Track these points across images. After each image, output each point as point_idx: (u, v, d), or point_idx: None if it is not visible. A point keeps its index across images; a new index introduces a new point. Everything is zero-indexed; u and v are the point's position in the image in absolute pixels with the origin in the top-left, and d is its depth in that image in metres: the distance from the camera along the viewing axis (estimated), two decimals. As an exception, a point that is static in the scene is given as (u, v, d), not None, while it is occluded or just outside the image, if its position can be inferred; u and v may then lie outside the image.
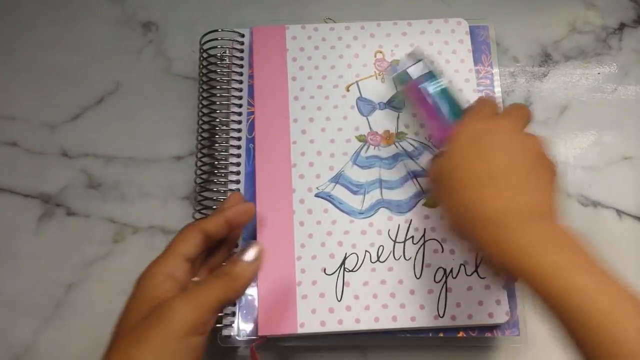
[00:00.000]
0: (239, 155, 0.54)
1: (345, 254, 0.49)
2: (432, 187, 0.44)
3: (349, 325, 0.48)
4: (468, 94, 0.53)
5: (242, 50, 0.57)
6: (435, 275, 0.49)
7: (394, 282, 0.49)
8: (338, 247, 0.50)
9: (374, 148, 0.52)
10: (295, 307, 0.48)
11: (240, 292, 0.39)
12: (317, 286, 0.49)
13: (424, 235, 0.50)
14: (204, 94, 0.56)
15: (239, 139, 0.54)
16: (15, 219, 0.57)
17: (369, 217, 0.50)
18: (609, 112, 0.59)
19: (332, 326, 0.48)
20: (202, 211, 0.53)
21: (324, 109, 0.53)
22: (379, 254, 0.49)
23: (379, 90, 0.54)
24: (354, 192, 0.51)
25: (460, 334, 0.49)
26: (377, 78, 0.55)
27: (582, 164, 0.57)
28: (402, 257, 0.49)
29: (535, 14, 0.63)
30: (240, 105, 0.55)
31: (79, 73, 0.61)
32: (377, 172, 0.52)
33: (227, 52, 0.58)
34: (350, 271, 0.49)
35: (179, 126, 0.59)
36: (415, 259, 0.49)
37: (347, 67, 0.55)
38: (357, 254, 0.49)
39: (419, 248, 0.49)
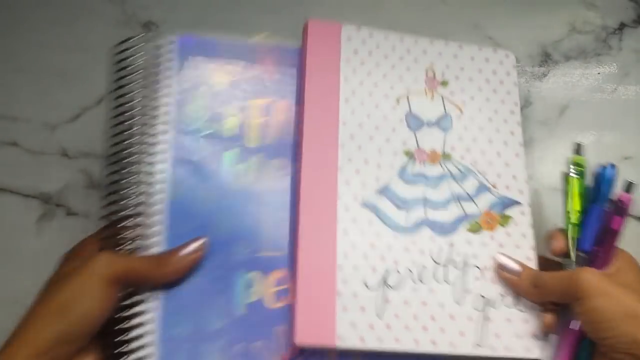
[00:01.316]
0: (157, 182, 0.47)
1: (387, 269, 0.48)
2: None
3: (389, 344, 0.46)
4: (512, 127, 0.53)
5: (170, 59, 0.50)
6: (475, 303, 0.48)
7: (435, 305, 0.47)
8: (380, 261, 0.48)
9: (421, 165, 0.51)
10: (334, 319, 0.46)
11: (166, 277, 0.44)
12: (358, 299, 0.47)
13: (465, 261, 0.49)
14: (114, 113, 0.47)
15: (157, 163, 0.47)
16: (15, 219, 0.57)
17: (412, 234, 0.49)
18: (609, 112, 0.60)
19: (371, 343, 0.46)
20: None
21: (373, 117, 0.52)
22: (421, 275, 0.48)
23: (428, 107, 0.53)
24: (399, 207, 0.50)
25: None
26: (426, 94, 0.53)
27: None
28: (444, 280, 0.48)
29: (535, 14, 0.63)
30: (157, 125, 0.48)
31: (79, 73, 0.61)
32: (422, 190, 0.50)
33: (144, 63, 0.49)
34: (391, 288, 0.47)
35: (179, 126, 0.59)
36: (456, 284, 0.48)
37: (398, 79, 0.54)
38: (399, 271, 0.48)
39: (461, 273, 0.49)
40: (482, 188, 0.51)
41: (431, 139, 0.52)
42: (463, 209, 0.50)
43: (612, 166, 0.49)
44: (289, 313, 0.46)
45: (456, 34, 0.62)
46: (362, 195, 0.49)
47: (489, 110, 0.53)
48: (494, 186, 0.51)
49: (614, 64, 0.62)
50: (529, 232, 0.50)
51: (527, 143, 0.58)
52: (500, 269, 0.49)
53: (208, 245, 0.45)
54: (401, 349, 0.46)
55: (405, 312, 0.47)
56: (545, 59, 0.61)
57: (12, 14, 0.63)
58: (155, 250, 0.45)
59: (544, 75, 0.61)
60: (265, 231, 0.48)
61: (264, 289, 0.47)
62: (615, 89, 0.61)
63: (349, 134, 0.51)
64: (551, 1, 0.63)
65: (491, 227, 0.50)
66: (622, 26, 0.63)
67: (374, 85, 0.53)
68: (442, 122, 0.53)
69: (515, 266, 0.48)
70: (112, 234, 0.45)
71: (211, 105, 0.50)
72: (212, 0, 0.64)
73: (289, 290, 0.47)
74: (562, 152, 0.58)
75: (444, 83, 0.54)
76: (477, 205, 0.50)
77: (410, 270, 0.48)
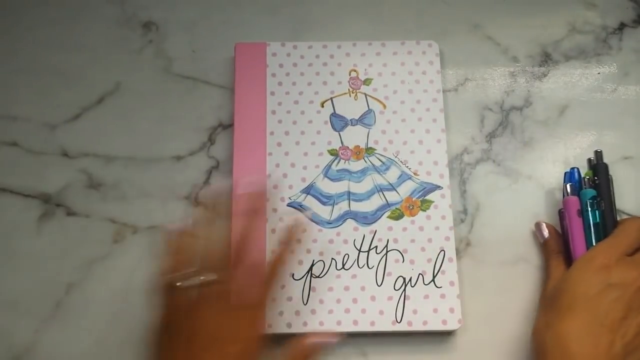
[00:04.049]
0: None
1: (313, 260, 0.53)
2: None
3: (313, 327, 0.51)
4: (434, 114, 0.57)
5: None
6: (395, 284, 0.52)
7: (357, 289, 0.52)
8: (306, 254, 0.53)
9: (345, 162, 0.56)
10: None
11: None
12: (285, 290, 0.52)
13: (386, 246, 0.53)
14: None
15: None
16: (15, 219, 0.57)
17: (337, 227, 0.54)
18: (609, 112, 0.60)
19: (297, 327, 0.51)
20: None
21: (299, 124, 0.57)
22: (344, 262, 0.53)
23: (352, 106, 0.57)
24: (324, 203, 0.55)
25: None
26: (350, 95, 0.58)
27: (582, 164, 0.57)
28: (366, 265, 0.53)
29: (535, 14, 0.63)
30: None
31: (79, 73, 0.61)
32: (346, 185, 0.55)
33: None
34: (316, 277, 0.52)
35: (179, 126, 0.59)
36: (377, 267, 0.53)
37: (322, 84, 0.58)
38: (323, 261, 0.53)
39: (382, 257, 0.53)
40: (404, 176, 0.55)
41: (355, 136, 0.57)
42: (385, 199, 0.55)
43: (574, 171, 0.54)
44: None
45: (456, 34, 0.62)
46: (289, 196, 0.55)
47: (411, 101, 0.58)
48: (415, 174, 0.55)
49: (614, 64, 0.61)
50: (448, 213, 0.54)
51: (527, 143, 0.59)
52: (535, 229, 0.55)
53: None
54: (324, 331, 0.51)
55: (328, 297, 0.52)
56: (545, 59, 0.61)
57: (12, 13, 0.63)
58: None
59: (544, 75, 0.61)
60: None
61: None
62: (615, 89, 0.61)
63: (276, 143, 0.56)
64: (551, 1, 0.63)
65: (413, 213, 0.54)
66: (622, 26, 0.63)
67: (299, 94, 0.58)
68: (365, 119, 0.57)
69: (543, 231, 0.54)
70: None
71: None
72: (212, 0, 0.64)
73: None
74: (562, 152, 0.58)
75: (367, 81, 0.58)
76: (398, 194, 0.55)
77: (335, 260, 0.53)
